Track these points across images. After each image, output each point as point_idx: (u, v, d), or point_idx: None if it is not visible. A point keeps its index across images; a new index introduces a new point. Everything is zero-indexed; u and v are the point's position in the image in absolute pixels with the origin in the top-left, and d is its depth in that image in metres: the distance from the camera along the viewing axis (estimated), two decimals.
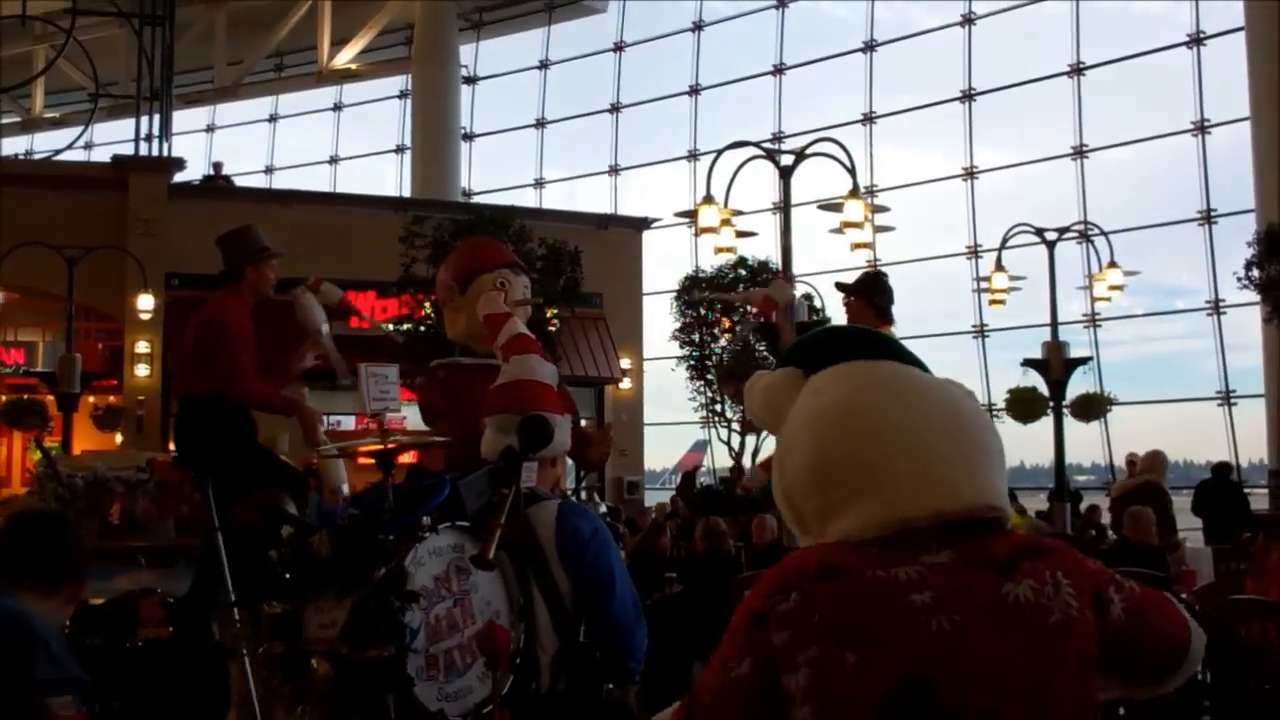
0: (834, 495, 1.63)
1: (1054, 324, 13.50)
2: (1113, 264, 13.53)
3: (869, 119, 22.46)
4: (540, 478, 3.55)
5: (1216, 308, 18.71)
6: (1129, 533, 8.63)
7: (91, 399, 18.16)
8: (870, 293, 6.19)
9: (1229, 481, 13.64)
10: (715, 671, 1.59)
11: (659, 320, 19.83)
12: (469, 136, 27.45)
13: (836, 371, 1.74)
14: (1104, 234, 13.66)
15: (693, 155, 24.82)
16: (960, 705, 1.48)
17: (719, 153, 10.90)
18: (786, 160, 10.66)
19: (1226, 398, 18.49)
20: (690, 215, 11.16)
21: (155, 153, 20.40)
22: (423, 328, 15.04)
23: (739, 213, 11.20)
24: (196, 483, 5.54)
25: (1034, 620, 1.54)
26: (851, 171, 10.26)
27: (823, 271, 18.55)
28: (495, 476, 3.51)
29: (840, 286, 6.33)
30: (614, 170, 26.01)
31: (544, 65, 27.28)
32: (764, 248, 18.48)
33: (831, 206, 10.36)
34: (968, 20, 21.63)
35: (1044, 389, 13.52)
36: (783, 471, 1.73)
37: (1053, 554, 1.62)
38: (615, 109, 26.05)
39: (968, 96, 21.60)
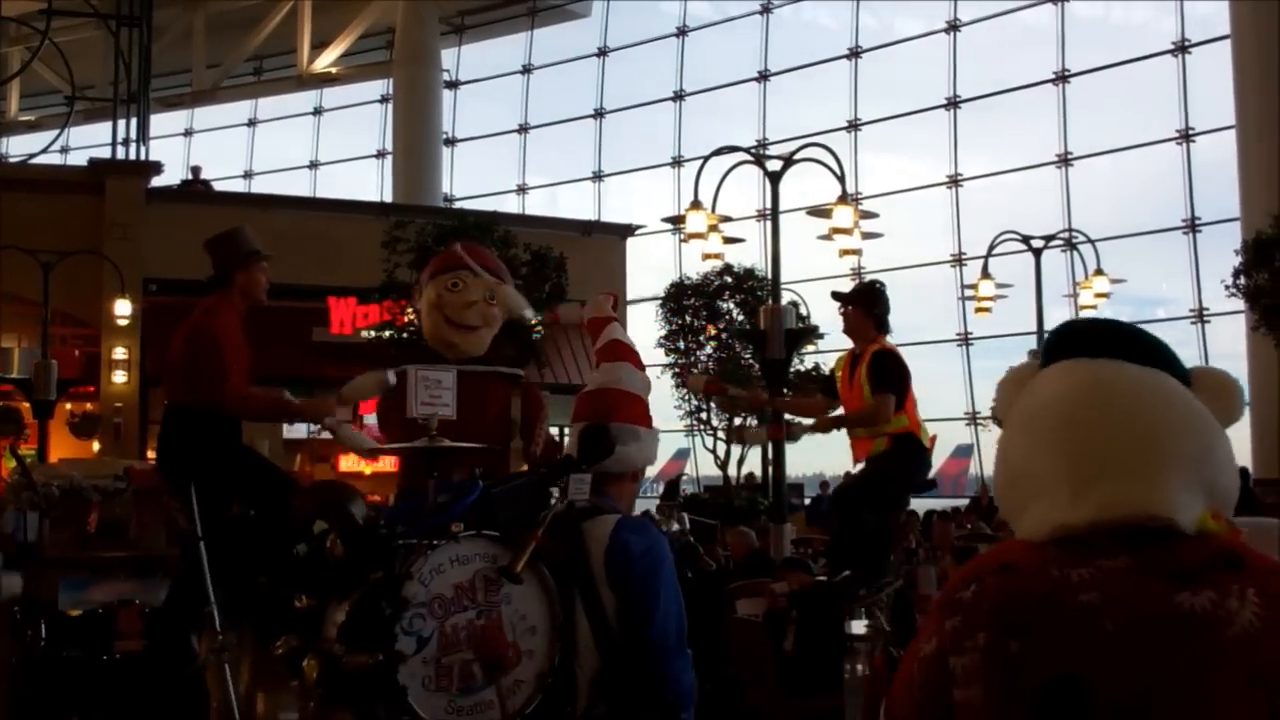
0: (1018, 496, 1.69)
1: (1040, 332, 13.47)
2: (1099, 271, 13.50)
3: (854, 126, 22.43)
4: (616, 491, 3.37)
5: (1200, 316, 18.73)
6: None
7: (68, 406, 17.93)
8: (867, 302, 6.14)
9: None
10: (910, 649, 1.71)
11: (643, 328, 19.71)
12: (451, 141, 27.32)
13: (1055, 370, 1.75)
14: (1090, 241, 13.63)
15: (677, 162, 24.74)
16: (1114, 707, 1.50)
17: (707, 158, 10.80)
18: (775, 166, 10.57)
19: None
20: (677, 221, 11.04)
21: (132, 156, 20.19)
22: (405, 334, 14.89)
23: (728, 218, 11.10)
24: (178, 491, 5.38)
25: (1206, 633, 1.51)
26: (841, 178, 10.18)
27: (808, 279, 18.53)
28: (537, 487, 3.44)
29: (837, 296, 6.27)
30: (597, 176, 25.91)
31: (527, 70, 27.17)
32: (749, 255, 18.44)
33: (821, 212, 10.27)
34: (953, 27, 21.63)
35: None
36: (995, 468, 1.80)
37: (1255, 570, 1.56)
38: (599, 114, 25.96)
39: (953, 104, 21.59)
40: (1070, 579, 1.55)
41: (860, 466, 6.23)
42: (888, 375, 5.92)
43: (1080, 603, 1.54)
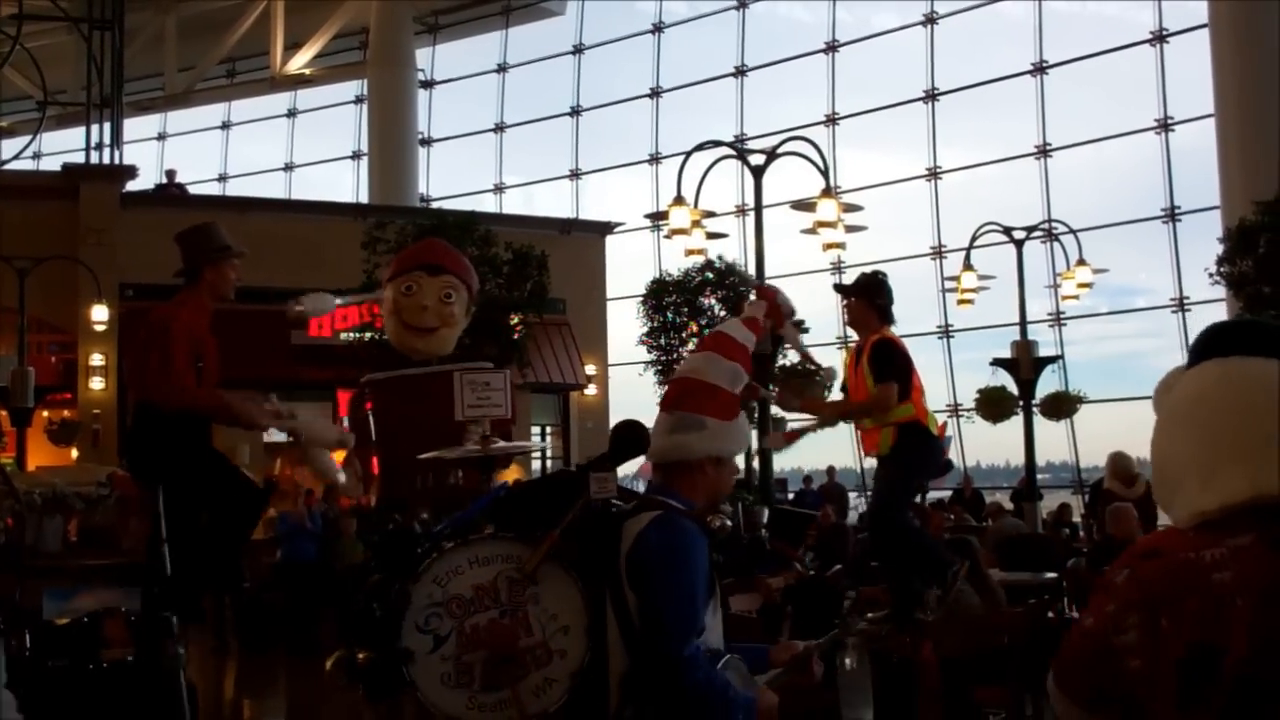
0: (1166, 489, 1.90)
1: (1023, 323, 13.47)
2: (1081, 262, 13.50)
3: (832, 120, 22.40)
4: (684, 483, 3.22)
5: (1181, 305, 18.78)
6: (1112, 530, 8.54)
7: (46, 413, 17.75)
8: (870, 293, 6.10)
9: None
10: (1075, 624, 1.93)
11: (623, 325, 19.66)
12: (426, 141, 27.18)
13: (1194, 370, 1.94)
14: (1073, 232, 13.63)
15: (654, 158, 24.67)
16: (1247, 675, 1.68)
17: (689, 153, 10.75)
18: (757, 160, 10.53)
19: None
20: (659, 217, 10.99)
21: (106, 161, 20.02)
22: (385, 336, 14.76)
23: (711, 213, 11.06)
24: (145, 492, 5.27)
25: None
26: (825, 171, 10.15)
27: (789, 274, 18.52)
28: (561, 486, 3.43)
29: (839, 288, 6.25)
30: (575, 174, 25.82)
31: (502, 69, 27.05)
32: (728, 251, 18.38)
33: (804, 206, 10.23)
34: (930, 20, 21.62)
35: (1013, 388, 13.48)
36: (1152, 465, 2.00)
37: None
38: (575, 112, 25.87)
39: (931, 96, 21.58)
40: (1205, 560, 1.76)
41: (871, 464, 6.21)
42: (888, 364, 5.90)
43: (1214, 580, 1.73)
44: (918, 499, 7.60)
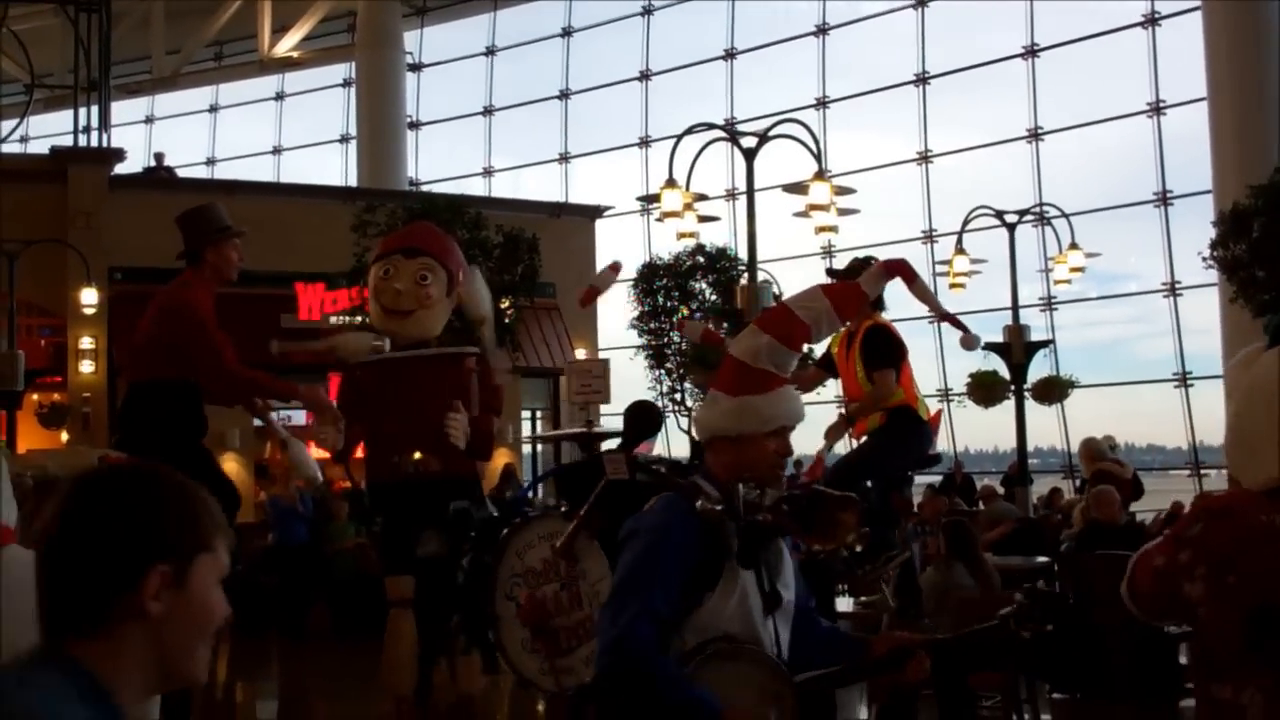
0: (1242, 455, 2.10)
1: (1015, 307, 13.45)
2: (1074, 246, 13.48)
3: (822, 103, 22.34)
4: (711, 460, 3.07)
5: (1173, 289, 18.79)
6: (1096, 513, 8.56)
7: (35, 396, 17.68)
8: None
9: None
10: (1146, 556, 2.14)
11: (613, 309, 19.62)
12: (415, 125, 27.06)
13: (1273, 351, 2.12)
14: (1065, 216, 13.61)
15: (644, 142, 24.59)
16: None
17: (680, 136, 10.67)
18: (749, 143, 10.47)
19: (1184, 380, 18.58)
20: (651, 200, 10.93)
21: (94, 144, 19.89)
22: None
23: (703, 196, 11.01)
24: None
25: None
26: (817, 155, 10.09)
27: (780, 258, 18.49)
28: (595, 466, 3.55)
29: (831, 273, 6.24)
30: (564, 158, 25.74)
31: (490, 51, 26.92)
32: (721, 234, 18.36)
33: (797, 189, 10.18)
34: (921, 3, 21.57)
35: (1005, 372, 13.46)
36: (1226, 432, 2.18)
37: None
38: (564, 95, 25.77)
39: (921, 80, 21.54)
40: (1275, 523, 1.93)
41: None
42: (881, 351, 5.89)
43: None
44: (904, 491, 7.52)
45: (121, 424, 5.64)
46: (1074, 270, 13.61)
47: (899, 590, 5.90)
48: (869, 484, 6.09)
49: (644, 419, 3.44)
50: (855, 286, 3.34)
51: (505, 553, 3.99)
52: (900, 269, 3.26)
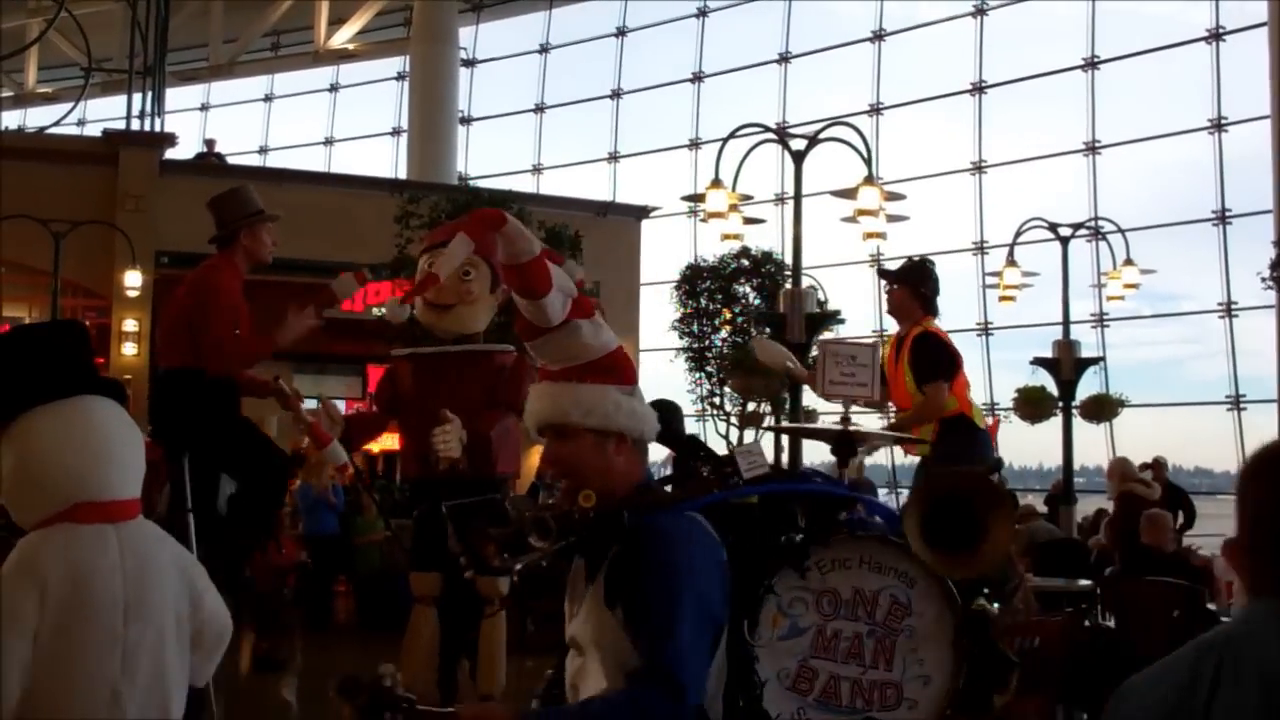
0: None
1: (1066, 322, 13.15)
2: (1129, 261, 13.16)
3: (875, 110, 22.08)
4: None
5: (1229, 310, 18.36)
6: (1145, 537, 8.28)
7: None
8: (916, 281, 5.82)
9: None
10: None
11: (656, 311, 19.46)
12: (467, 120, 27.05)
13: None
14: (1121, 231, 13.29)
15: (694, 144, 24.42)
16: None
17: (729, 136, 10.51)
18: (798, 145, 10.28)
19: (1236, 403, 18.16)
20: (697, 199, 10.77)
21: (147, 130, 20.01)
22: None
23: (748, 197, 10.84)
24: (170, 459, 5.15)
25: None
26: (868, 159, 9.89)
27: (826, 265, 18.26)
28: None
29: (883, 274, 5.96)
30: (613, 157, 25.63)
31: (544, 49, 26.87)
32: (765, 238, 18.15)
33: (846, 193, 9.98)
34: (980, 11, 21.27)
35: (1053, 389, 13.17)
36: None
37: None
38: (616, 95, 25.66)
39: (978, 89, 21.23)
40: None
41: (910, 459, 5.94)
42: (931, 360, 5.60)
43: None
44: None
45: (151, 412, 5.56)
46: (1128, 286, 13.27)
47: None
48: None
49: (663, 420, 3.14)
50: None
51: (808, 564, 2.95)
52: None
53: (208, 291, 5.09)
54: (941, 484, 2.82)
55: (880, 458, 21.00)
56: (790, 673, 2.84)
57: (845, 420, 3.42)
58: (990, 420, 6.05)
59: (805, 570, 2.84)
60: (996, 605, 2.81)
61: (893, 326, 6.12)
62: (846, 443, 3.35)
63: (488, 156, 27.79)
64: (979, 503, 2.78)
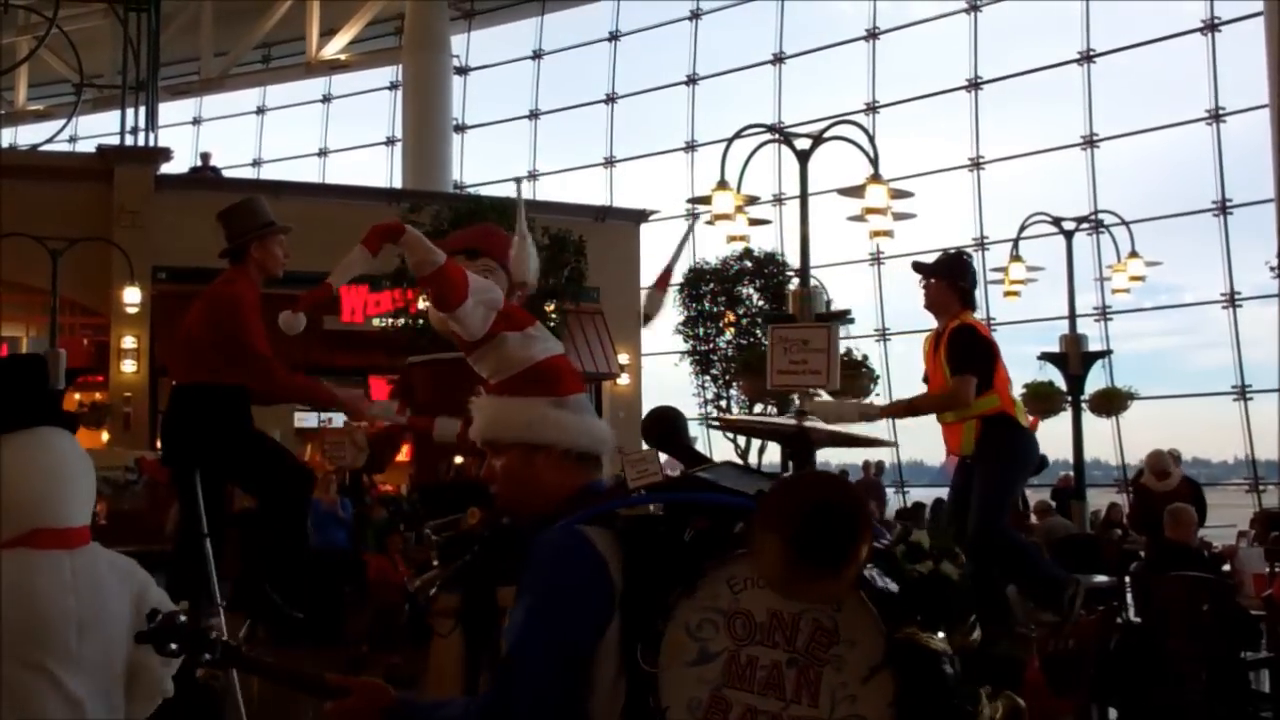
0: None
1: (1072, 316, 13.07)
2: (1134, 254, 13.10)
3: (872, 109, 22.03)
4: None
5: (1232, 300, 18.32)
6: (1169, 532, 8.21)
7: (77, 395, 17.68)
8: (953, 274, 5.69)
9: None
10: None
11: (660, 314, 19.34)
12: (461, 128, 26.97)
13: None
14: (1125, 224, 13.23)
15: (690, 146, 24.38)
16: None
17: (732, 138, 10.42)
18: (803, 144, 10.20)
19: (1242, 393, 18.10)
20: (702, 202, 10.68)
21: (141, 145, 19.92)
22: (419, 321, 14.57)
23: (754, 199, 10.77)
24: (180, 479, 5.04)
25: None
26: (874, 158, 9.82)
27: (829, 264, 18.21)
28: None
29: (918, 267, 5.82)
30: (609, 162, 25.56)
31: (537, 55, 26.81)
32: (767, 240, 18.11)
33: (853, 192, 9.90)
34: (973, 7, 21.22)
35: (1061, 383, 13.10)
36: None
37: None
38: (610, 99, 25.59)
39: (974, 85, 21.18)
40: None
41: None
42: (965, 353, 5.47)
43: None
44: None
45: (164, 428, 5.44)
46: (1133, 279, 13.21)
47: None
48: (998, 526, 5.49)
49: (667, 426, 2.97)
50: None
51: (713, 576, 2.49)
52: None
53: (231, 306, 4.99)
54: (823, 491, 2.44)
55: (870, 453, 20.83)
56: (701, 703, 2.49)
57: (800, 415, 3.09)
58: (1031, 419, 5.89)
59: (694, 590, 2.47)
60: (941, 636, 2.43)
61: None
62: (802, 441, 2.95)
63: (483, 164, 27.80)
64: (853, 523, 2.36)
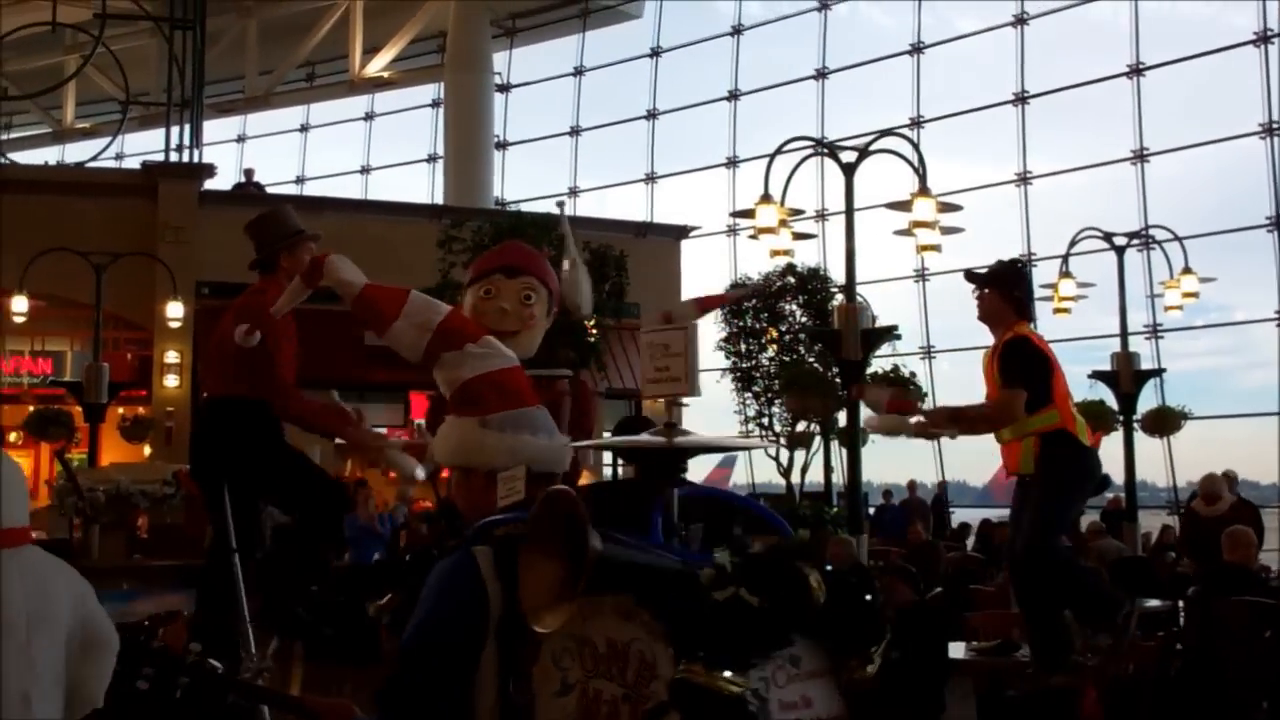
0: None
1: (1124, 334, 12.85)
2: (1187, 270, 12.83)
3: (916, 124, 21.81)
4: None
5: None
6: (1227, 554, 7.95)
7: (120, 410, 17.74)
8: (1008, 284, 5.49)
9: None
10: None
11: (701, 331, 19.16)
12: (502, 145, 26.99)
13: None
14: (1179, 239, 12.95)
15: (731, 162, 24.26)
16: None
17: (776, 151, 10.31)
18: (848, 158, 10.07)
19: None
20: (745, 215, 10.56)
21: (186, 161, 20.07)
22: None
23: (799, 212, 10.62)
24: (208, 493, 4.93)
25: None
26: (922, 172, 9.67)
27: (872, 280, 18.00)
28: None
29: (971, 276, 5.62)
30: (650, 178, 25.49)
31: (578, 72, 26.81)
32: (809, 255, 17.92)
33: (900, 206, 9.74)
34: (1020, 21, 20.99)
35: (1112, 402, 12.84)
36: None
37: None
38: (651, 115, 25.53)
39: (1020, 99, 20.94)
40: None
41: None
42: (1016, 365, 5.27)
43: None
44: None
45: (193, 441, 5.35)
46: (1187, 295, 12.94)
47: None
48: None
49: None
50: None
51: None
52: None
53: (256, 316, 4.89)
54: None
55: (931, 474, 20.56)
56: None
57: (670, 429, 2.67)
58: (1092, 435, 5.67)
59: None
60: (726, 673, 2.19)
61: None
62: (668, 460, 2.61)
63: (524, 180, 27.79)
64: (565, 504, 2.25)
